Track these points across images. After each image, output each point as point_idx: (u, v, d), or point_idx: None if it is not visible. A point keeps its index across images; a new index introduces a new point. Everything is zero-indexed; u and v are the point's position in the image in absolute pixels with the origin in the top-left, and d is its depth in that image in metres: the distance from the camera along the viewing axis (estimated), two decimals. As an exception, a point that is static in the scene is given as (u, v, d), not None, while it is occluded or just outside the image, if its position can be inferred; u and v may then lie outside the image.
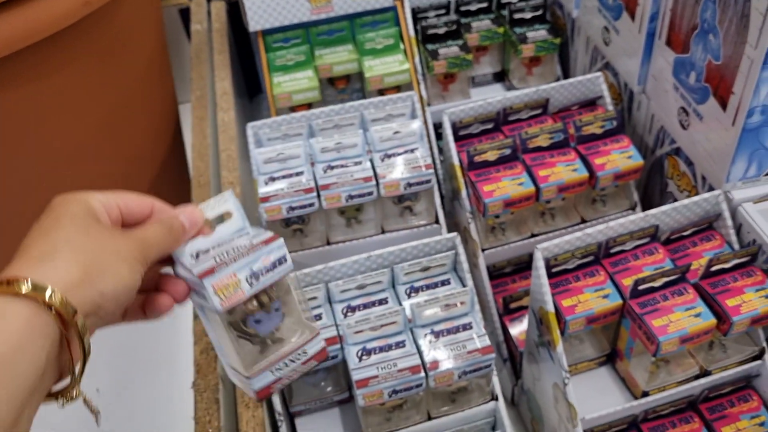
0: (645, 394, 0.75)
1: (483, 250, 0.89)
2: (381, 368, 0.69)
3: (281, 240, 0.54)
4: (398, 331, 0.72)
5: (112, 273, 0.45)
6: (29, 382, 0.40)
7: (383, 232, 0.90)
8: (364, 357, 0.70)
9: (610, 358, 0.81)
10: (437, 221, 0.90)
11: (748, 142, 0.74)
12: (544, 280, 0.72)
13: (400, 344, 0.71)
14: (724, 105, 0.75)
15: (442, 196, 1.00)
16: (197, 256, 0.53)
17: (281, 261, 0.54)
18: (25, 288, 0.41)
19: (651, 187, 0.96)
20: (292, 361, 0.56)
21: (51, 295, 0.41)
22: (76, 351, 0.44)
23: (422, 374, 0.69)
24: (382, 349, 0.71)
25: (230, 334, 0.55)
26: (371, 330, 0.71)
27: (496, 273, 0.92)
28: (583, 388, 0.79)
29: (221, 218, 0.56)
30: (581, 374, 0.81)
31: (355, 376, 0.69)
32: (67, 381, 0.45)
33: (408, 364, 0.69)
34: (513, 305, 0.88)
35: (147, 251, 0.49)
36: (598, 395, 0.79)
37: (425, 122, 1.05)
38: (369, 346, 0.71)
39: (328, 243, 0.89)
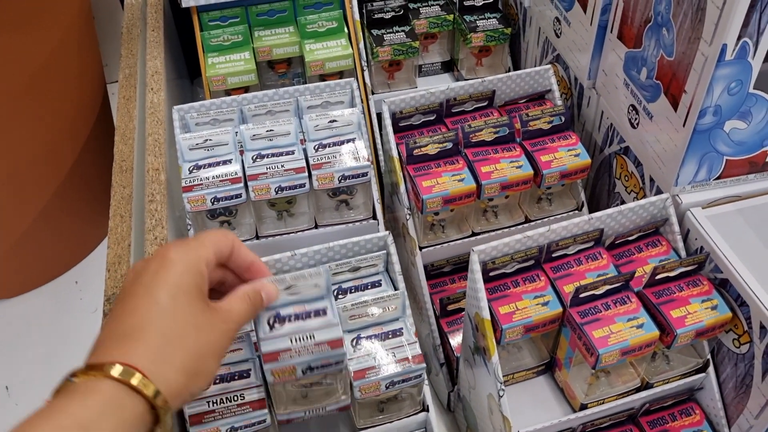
0: (583, 407, 0.71)
1: (421, 249, 0.84)
2: (295, 340, 0.61)
3: (344, 349, 0.60)
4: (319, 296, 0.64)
5: (207, 374, 0.50)
6: None
7: (317, 226, 0.84)
8: (276, 325, 0.62)
9: (549, 367, 0.77)
10: (374, 217, 0.85)
11: (699, 144, 0.71)
12: (480, 284, 0.68)
13: (320, 312, 0.64)
14: (675, 104, 0.71)
15: (382, 190, 0.95)
16: (272, 325, 0.59)
17: (338, 363, 0.61)
18: (147, 390, 0.45)
19: (599, 186, 0.92)
20: (320, 409, 0.64)
21: (163, 405, 0.46)
22: None
23: (343, 349, 0.61)
24: (298, 317, 0.62)
25: None
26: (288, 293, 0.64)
27: (434, 272, 0.87)
28: (520, 399, 0.75)
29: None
30: (518, 384, 0.77)
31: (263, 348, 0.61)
32: None
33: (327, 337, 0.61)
34: (451, 307, 0.83)
35: (235, 333, 0.54)
36: (534, 407, 0.75)
37: (368, 111, 0.99)
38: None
39: (258, 237, 0.84)
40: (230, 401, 0.63)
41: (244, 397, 0.63)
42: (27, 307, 1.09)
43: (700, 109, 0.68)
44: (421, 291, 0.85)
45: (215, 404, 0.63)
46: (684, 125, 0.70)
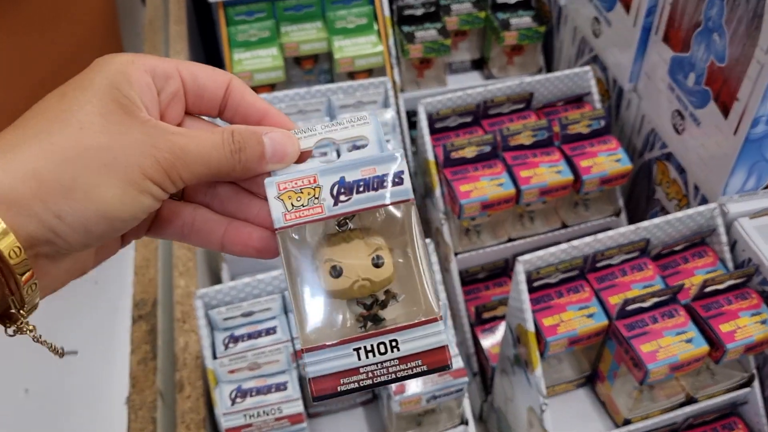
0: (627, 422, 0.70)
1: (456, 254, 0.82)
2: (255, 416, 0.62)
3: (399, 153, 0.35)
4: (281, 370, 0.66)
5: (88, 195, 0.31)
6: None
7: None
8: (238, 399, 0.64)
9: (590, 380, 0.75)
10: (407, 220, 0.82)
11: (750, 153, 0.68)
12: (525, 296, 0.66)
13: (281, 386, 0.65)
14: (726, 111, 0.69)
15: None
16: (234, 399, 0.55)
17: (397, 180, 0.34)
18: None
19: (637, 192, 0.90)
20: (386, 351, 0.33)
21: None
22: (11, 285, 0.31)
23: (304, 424, 0.63)
24: (259, 391, 0.64)
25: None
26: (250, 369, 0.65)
27: (468, 279, 0.85)
28: (560, 412, 0.73)
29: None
30: (558, 396, 0.75)
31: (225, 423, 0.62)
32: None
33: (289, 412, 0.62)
34: (486, 315, 0.81)
35: (178, 169, 0.33)
36: (575, 420, 0.73)
37: (398, 111, 0.97)
38: None
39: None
40: (268, 414, 0.61)
41: (282, 410, 0.62)
42: (46, 308, 1.07)
43: (753, 118, 0.65)
44: (455, 298, 0.83)
45: (252, 417, 0.61)
46: (735, 134, 0.68)
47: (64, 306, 1.10)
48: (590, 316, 0.68)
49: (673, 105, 0.78)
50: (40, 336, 0.35)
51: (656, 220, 0.70)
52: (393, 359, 0.32)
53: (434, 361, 0.33)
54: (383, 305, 0.33)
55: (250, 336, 0.66)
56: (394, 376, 0.33)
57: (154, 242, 0.79)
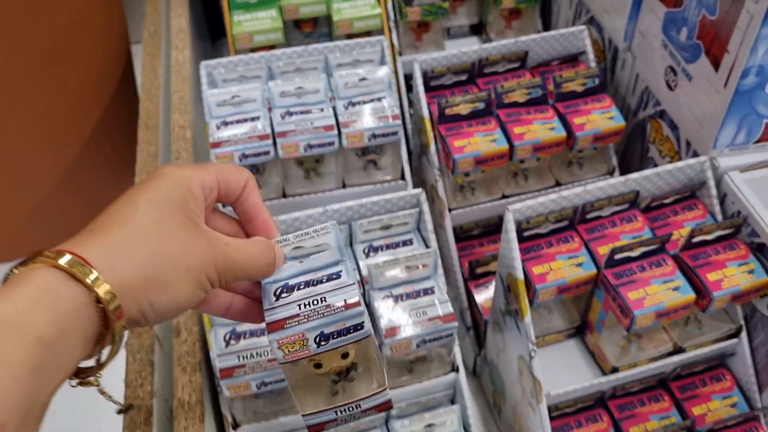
0: (615, 370, 0.71)
1: (450, 210, 0.83)
2: (304, 306, 0.53)
3: (362, 308, 0.48)
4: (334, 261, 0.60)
5: (172, 290, 0.42)
6: (64, 369, 0.38)
7: (344, 186, 0.83)
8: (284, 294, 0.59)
9: (580, 331, 0.76)
10: (403, 177, 0.84)
11: (740, 105, 0.69)
12: (515, 244, 0.67)
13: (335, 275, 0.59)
14: (716, 64, 0.69)
15: (409, 152, 0.94)
16: (279, 295, 0.51)
17: (357, 328, 0.49)
18: (88, 278, 0.38)
19: (631, 151, 0.91)
20: (353, 408, 0.51)
21: (109, 298, 0.39)
22: (105, 348, 0.41)
23: (362, 308, 0.51)
24: (308, 284, 0.58)
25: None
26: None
27: (462, 235, 0.87)
28: (550, 362, 0.74)
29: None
30: (548, 346, 0.76)
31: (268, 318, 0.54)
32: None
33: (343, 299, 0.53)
34: (479, 270, 0.82)
35: (226, 273, 0.46)
36: (564, 369, 0.74)
37: (395, 72, 0.98)
38: None
39: (284, 196, 0.83)
40: (260, 356, 0.63)
41: None
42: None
43: (743, 69, 0.66)
44: (449, 253, 0.84)
45: (246, 359, 0.63)
46: (725, 86, 0.69)
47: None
48: (579, 265, 0.69)
49: (666, 61, 0.78)
50: (104, 388, 0.45)
51: (646, 172, 0.70)
52: (357, 413, 0.51)
53: (382, 409, 0.52)
54: (347, 375, 0.51)
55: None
56: (356, 419, 0.52)
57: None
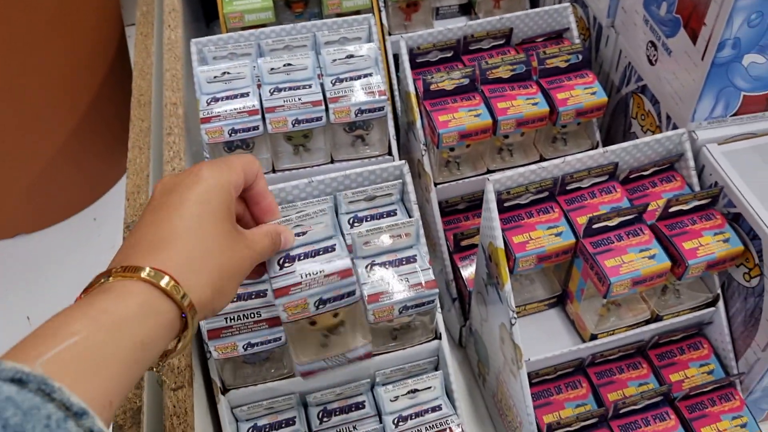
0: (593, 337, 0.73)
1: (436, 185, 0.84)
2: (305, 275, 0.61)
3: (353, 278, 0.60)
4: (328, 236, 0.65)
5: (228, 296, 0.51)
6: (150, 364, 0.45)
7: (332, 161, 0.85)
8: (286, 264, 0.64)
9: (561, 300, 0.78)
10: (390, 153, 0.85)
11: (717, 78, 0.71)
12: (495, 214, 0.68)
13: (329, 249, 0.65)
14: (694, 38, 0.71)
15: (398, 129, 0.95)
16: (282, 265, 0.59)
17: (349, 294, 0.60)
18: (180, 298, 0.46)
19: (614, 127, 0.92)
20: (340, 358, 0.63)
21: (192, 314, 0.47)
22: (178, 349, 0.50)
23: (353, 278, 0.61)
24: (307, 255, 0.63)
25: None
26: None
27: (448, 209, 0.88)
28: (531, 330, 0.76)
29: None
30: (530, 316, 0.78)
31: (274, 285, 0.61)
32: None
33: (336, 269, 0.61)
34: (464, 243, 0.84)
35: (255, 263, 0.55)
36: (545, 338, 0.76)
37: (384, 52, 0.99)
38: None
39: (274, 171, 0.84)
40: (247, 318, 0.64)
41: (260, 314, 0.65)
42: (46, 242, 1.11)
43: (719, 42, 0.67)
44: (435, 227, 0.85)
45: (232, 320, 0.64)
46: (702, 58, 0.70)
47: (65, 241, 1.14)
48: (558, 234, 0.70)
49: (647, 36, 0.80)
50: (161, 370, 0.51)
51: (624, 144, 0.72)
52: (344, 360, 0.63)
53: (363, 358, 0.64)
54: (336, 330, 0.62)
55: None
56: (342, 365, 0.63)
57: (145, 170, 0.82)
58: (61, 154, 1.10)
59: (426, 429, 0.69)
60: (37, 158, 1.10)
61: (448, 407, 0.71)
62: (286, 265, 0.59)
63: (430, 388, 0.71)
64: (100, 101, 1.06)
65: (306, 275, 0.58)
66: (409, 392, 0.71)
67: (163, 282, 0.45)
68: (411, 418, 0.70)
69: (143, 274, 0.45)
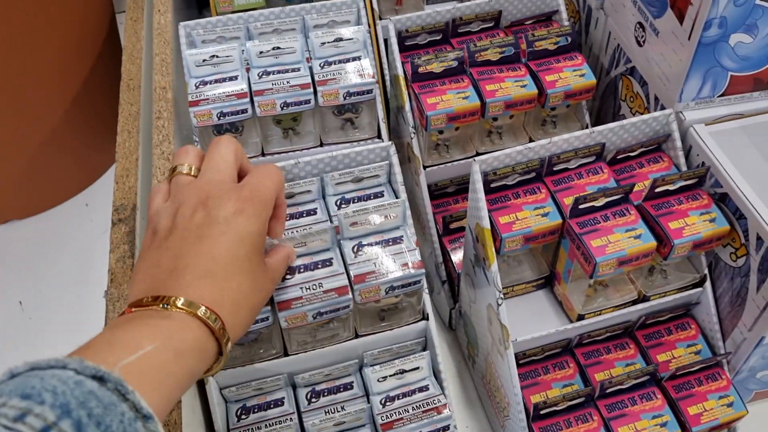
0: (580, 317, 0.73)
1: (425, 167, 0.84)
2: (305, 289, 0.65)
3: (349, 296, 0.65)
4: (325, 248, 0.68)
5: (252, 322, 0.57)
6: (190, 385, 0.50)
7: (322, 145, 0.85)
8: (287, 276, 0.66)
9: (549, 282, 0.78)
10: (379, 136, 0.85)
11: (704, 58, 0.70)
12: (481, 194, 0.69)
13: (326, 262, 0.67)
14: (681, 17, 0.71)
15: (388, 113, 0.95)
16: (284, 276, 0.64)
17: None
18: (224, 339, 0.52)
19: (604, 110, 0.92)
20: (316, 287, 0.64)
21: (229, 349, 0.53)
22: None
23: (349, 296, 0.65)
24: (307, 268, 0.66)
25: None
26: (297, 246, 0.67)
27: (438, 192, 0.88)
28: (519, 311, 0.76)
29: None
30: (518, 297, 0.78)
31: (277, 297, 0.65)
32: None
33: (334, 285, 0.65)
34: (453, 225, 0.84)
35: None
36: (533, 319, 0.76)
37: (375, 36, 0.99)
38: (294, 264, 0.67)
39: (263, 154, 0.85)
40: (317, 288, 0.64)
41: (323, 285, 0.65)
42: (39, 228, 1.12)
43: (705, 21, 0.67)
44: (424, 210, 0.86)
45: (303, 291, 0.64)
46: (689, 38, 0.70)
47: (57, 227, 1.14)
48: (545, 215, 0.71)
49: (635, 18, 0.80)
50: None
51: (611, 125, 0.72)
52: (319, 292, 0.65)
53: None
54: None
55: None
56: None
57: (134, 153, 0.82)
58: (53, 140, 1.10)
59: (413, 409, 0.69)
60: (28, 145, 1.11)
61: (435, 388, 0.71)
62: (288, 276, 0.64)
63: (417, 368, 0.72)
64: (91, 88, 1.06)
65: (306, 289, 0.64)
66: (396, 373, 0.72)
67: (216, 325, 0.51)
68: (398, 398, 0.70)
69: (200, 313, 0.50)
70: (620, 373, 0.73)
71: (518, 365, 0.73)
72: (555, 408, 0.70)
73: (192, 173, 0.60)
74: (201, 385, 0.71)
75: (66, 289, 0.98)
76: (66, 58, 1.02)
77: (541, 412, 0.69)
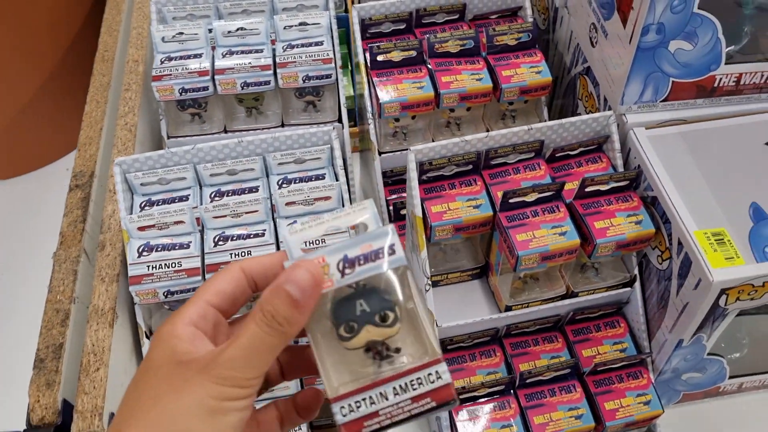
0: (508, 308, 0.75)
1: (380, 154, 0.87)
2: (231, 256, 0.68)
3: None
4: (260, 220, 0.71)
5: None
6: None
7: (284, 125, 0.88)
8: (220, 242, 0.69)
9: (485, 272, 0.80)
10: (340, 120, 0.88)
11: (644, 62, 0.71)
12: (415, 183, 0.71)
13: (259, 234, 0.70)
14: (624, 21, 0.72)
15: (357, 99, 0.97)
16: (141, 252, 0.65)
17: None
18: None
19: (566, 107, 0.93)
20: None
21: None
22: None
23: None
24: (240, 237, 0.70)
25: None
26: (232, 217, 0.70)
27: (394, 179, 0.91)
28: (451, 298, 0.79)
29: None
30: (453, 285, 0.80)
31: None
32: None
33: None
34: (404, 212, 0.87)
35: (239, 379, 0.39)
36: (465, 306, 0.79)
37: (351, 23, 1.01)
38: (228, 232, 0.70)
39: (226, 131, 0.87)
40: (168, 267, 0.68)
41: (181, 264, 0.68)
42: (18, 189, 1.16)
43: (643, 26, 0.68)
44: (377, 195, 0.88)
45: (154, 269, 0.68)
46: (630, 42, 0.71)
47: (36, 191, 1.19)
48: (477, 207, 0.73)
49: (590, 18, 0.81)
50: None
51: (551, 123, 0.74)
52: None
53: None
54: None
55: (164, 201, 0.73)
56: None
57: (99, 123, 0.86)
58: (30, 108, 1.14)
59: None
60: (6, 112, 1.15)
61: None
62: (145, 253, 0.68)
63: None
64: (71, 55, 1.10)
65: (157, 267, 0.67)
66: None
67: None
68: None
69: None
70: (543, 364, 0.75)
71: (445, 351, 0.75)
72: (474, 393, 0.72)
73: None
74: (139, 347, 0.75)
75: (41, 250, 1.03)
76: (50, 29, 1.06)
77: (460, 397, 0.72)
